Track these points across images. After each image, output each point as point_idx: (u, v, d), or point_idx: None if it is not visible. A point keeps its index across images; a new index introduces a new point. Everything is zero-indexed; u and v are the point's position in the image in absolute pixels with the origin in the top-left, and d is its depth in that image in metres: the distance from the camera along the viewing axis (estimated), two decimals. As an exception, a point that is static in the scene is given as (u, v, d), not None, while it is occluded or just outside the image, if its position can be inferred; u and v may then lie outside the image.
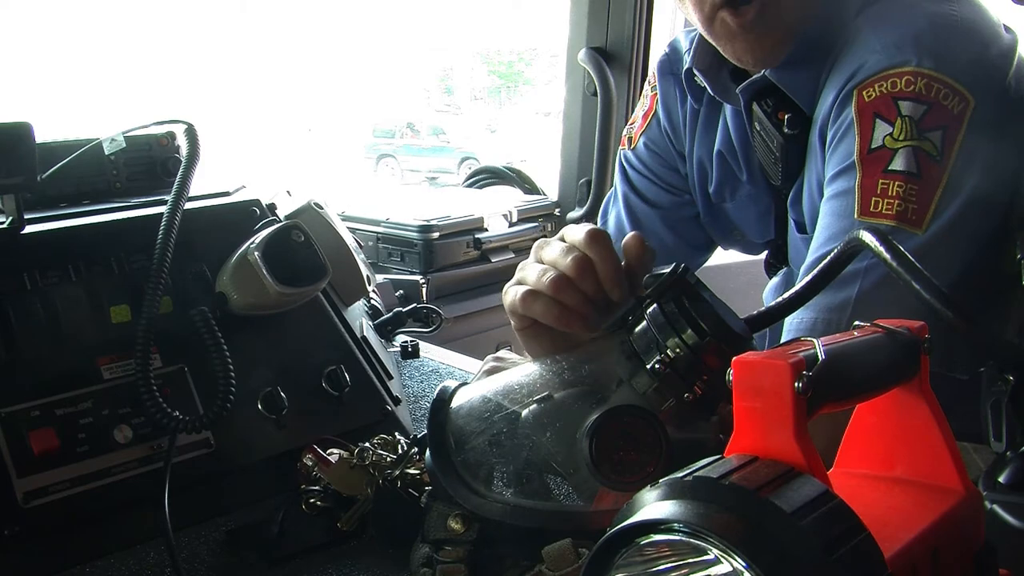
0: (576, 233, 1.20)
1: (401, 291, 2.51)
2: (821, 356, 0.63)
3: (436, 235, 2.81)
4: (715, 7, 1.42)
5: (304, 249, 1.41)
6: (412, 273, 2.78)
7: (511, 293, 1.24)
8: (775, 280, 1.70)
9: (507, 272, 1.41)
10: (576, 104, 3.15)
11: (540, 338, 1.25)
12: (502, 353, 1.58)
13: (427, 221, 2.79)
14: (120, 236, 1.41)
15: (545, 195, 3.32)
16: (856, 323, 0.77)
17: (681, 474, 0.60)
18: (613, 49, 2.98)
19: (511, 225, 3.04)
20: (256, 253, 1.36)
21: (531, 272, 1.22)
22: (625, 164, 1.86)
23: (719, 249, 1.90)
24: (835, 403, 0.67)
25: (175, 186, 1.37)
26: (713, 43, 1.52)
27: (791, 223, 1.55)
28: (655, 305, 0.91)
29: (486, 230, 2.96)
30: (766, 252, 1.74)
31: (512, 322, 1.29)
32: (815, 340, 0.66)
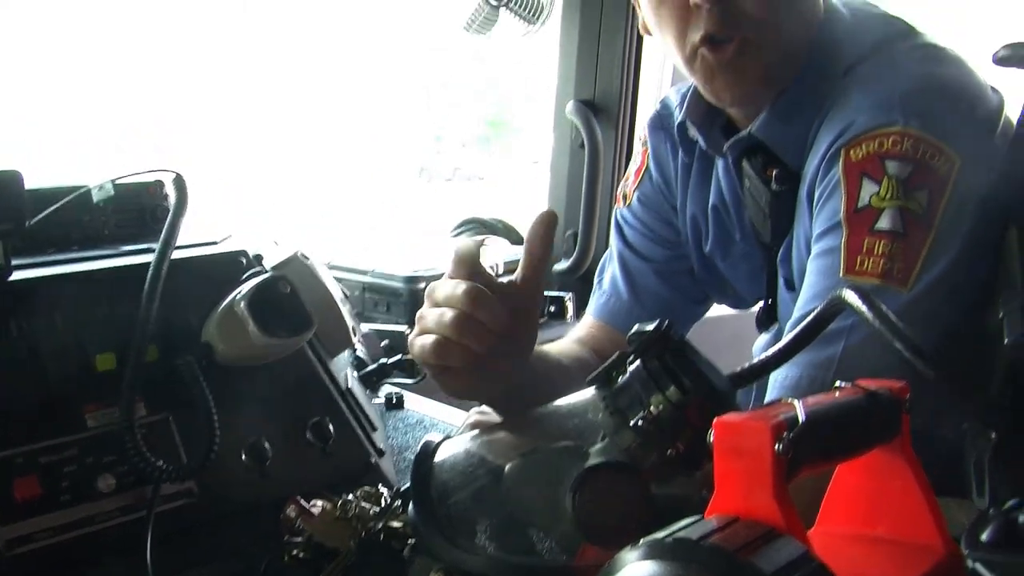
0: (450, 273, 1.30)
1: (387, 341, 2.51)
2: (802, 418, 0.64)
3: (423, 285, 2.78)
4: (695, 45, 1.44)
5: (290, 300, 1.41)
6: (398, 323, 2.77)
7: (418, 344, 1.29)
8: (765, 337, 1.71)
9: (494, 323, 1.42)
10: (563, 156, 3.16)
11: (457, 378, 1.31)
12: (486, 407, 1.58)
13: (414, 272, 2.78)
14: (107, 284, 1.40)
15: (532, 246, 3.31)
16: (838, 383, 0.78)
17: (662, 534, 0.60)
18: (601, 102, 3.00)
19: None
20: (242, 304, 1.36)
21: (430, 317, 1.27)
22: (621, 222, 1.88)
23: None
24: (816, 464, 0.68)
25: (163, 235, 1.37)
26: (695, 81, 1.53)
27: (780, 280, 1.56)
28: (639, 361, 0.91)
29: (472, 281, 2.92)
30: (758, 307, 1.75)
31: (426, 372, 1.33)
32: (796, 401, 0.67)
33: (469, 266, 1.31)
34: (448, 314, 1.26)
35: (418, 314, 1.33)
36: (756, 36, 1.42)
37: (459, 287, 1.27)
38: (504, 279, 1.36)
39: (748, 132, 1.50)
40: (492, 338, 1.26)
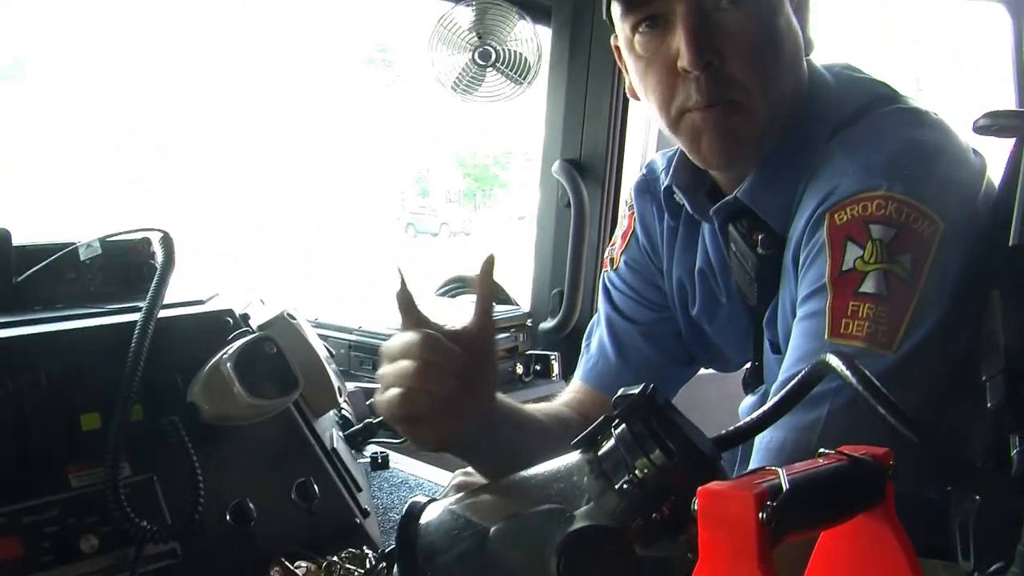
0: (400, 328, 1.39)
1: (372, 399, 2.51)
2: (785, 486, 0.64)
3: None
4: (681, 110, 1.46)
5: (276, 361, 1.42)
6: (384, 381, 2.77)
7: (384, 401, 1.35)
8: (752, 399, 1.71)
9: (480, 382, 1.44)
10: (550, 215, 3.17)
11: (427, 428, 1.38)
12: (470, 468, 1.59)
13: (399, 330, 2.75)
14: (93, 343, 1.41)
15: (518, 305, 3.32)
16: (821, 450, 0.78)
17: (647, 603, 0.60)
18: (587, 162, 3.02)
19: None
20: (228, 364, 1.37)
21: (391, 373, 1.35)
22: (608, 285, 1.89)
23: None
24: (800, 532, 0.68)
25: (149, 295, 1.37)
26: (681, 145, 1.55)
27: (766, 343, 1.57)
28: (623, 425, 0.92)
29: (457, 340, 2.92)
30: (745, 369, 1.75)
31: (398, 430, 1.38)
32: (780, 469, 0.67)
33: (414, 317, 1.40)
34: (408, 366, 1.33)
35: (378, 374, 1.40)
36: (745, 100, 1.44)
37: (412, 339, 1.35)
38: (457, 326, 1.43)
39: (734, 196, 1.51)
40: (453, 380, 1.33)
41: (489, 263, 1.43)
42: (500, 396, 1.51)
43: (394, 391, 1.34)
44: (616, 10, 1.49)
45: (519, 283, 3.45)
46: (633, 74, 1.53)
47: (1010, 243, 1.18)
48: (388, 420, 1.40)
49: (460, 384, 1.34)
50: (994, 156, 1.44)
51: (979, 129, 1.21)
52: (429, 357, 1.33)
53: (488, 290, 1.45)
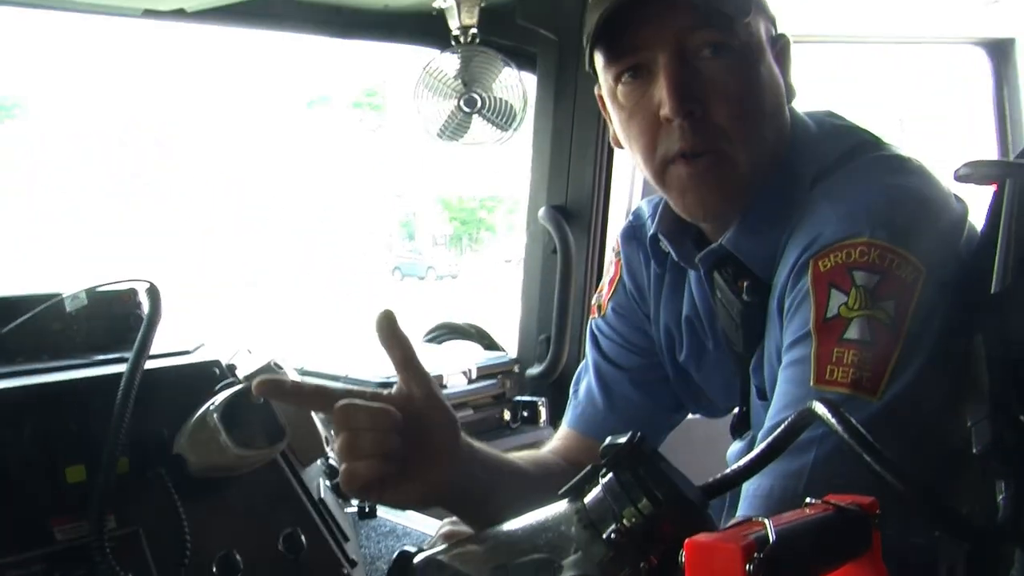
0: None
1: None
2: (772, 538, 0.64)
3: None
4: (666, 160, 1.47)
5: (263, 411, 1.42)
6: (371, 430, 2.75)
7: (345, 478, 1.32)
8: (739, 444, 1.71)
9: (466, 430, 1.43)
10: (536, 261, 3.18)
11: (392, 491, 1.35)
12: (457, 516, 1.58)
13: (386, 377, 2.74)
14: (78, 395, 1.40)
15: (505, 352, 3.32)
16: (808, 500, 0.78)
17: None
18: (573, 208, 3.02)
19: (470, 382, 3.00)
20: (215, 415, 1.37)
21: (343, 446, 1.32)
22: (596, 332, 1.89)
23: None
24: (787, 582, 0.68)
25: (135, 346, 1.37)
26: (666, 196, 1.56)
27: (753, 390, 1.57)
28: (611, 474, 0.92)
29: (445, 387, 2.90)
30: (733, 415, 1.76)
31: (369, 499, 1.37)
32: (766, 520, 0.67)
33: (324, 392, 1.38)
34: (341, 441, 1.32)
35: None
36: (729, 149, 1.45)
37: (336, 412, 1.32)
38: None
39: (719, 244, 1.52)
40: (388, 440, 1.32)
41: (384, 319, 1.39)
42: (476, 444, 1.49)
43: (342, 467, 1.33)
44: (599, 60, 1.51)
45: (506, 323, 3.45)
46: (616, 123, 1.54)
47: (992, 291, 1.19)
48: (352, 496, 1.40)
49: (406, 441, 1.33)
50: (976, 201, 1.46)
51: (960, 178, 1.22)
52: (352, 425, 1.31)
53: (396, 345, 1.39)
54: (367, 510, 1.87)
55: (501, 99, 2.79)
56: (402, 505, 1.45)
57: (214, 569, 1.37)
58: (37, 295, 1.56)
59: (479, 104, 2.78)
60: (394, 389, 1.39)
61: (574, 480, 0.96)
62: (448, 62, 2.77)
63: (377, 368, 2.82)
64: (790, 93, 1.54)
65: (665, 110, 1.42)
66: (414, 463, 1.34)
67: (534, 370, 3.12)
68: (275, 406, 1.43)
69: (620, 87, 1.49)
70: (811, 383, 1.30)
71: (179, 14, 2.36)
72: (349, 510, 1.84)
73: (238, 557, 1.38)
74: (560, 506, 0.97)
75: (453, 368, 2.96)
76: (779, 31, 1.54)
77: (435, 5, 2.69)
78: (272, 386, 1.35)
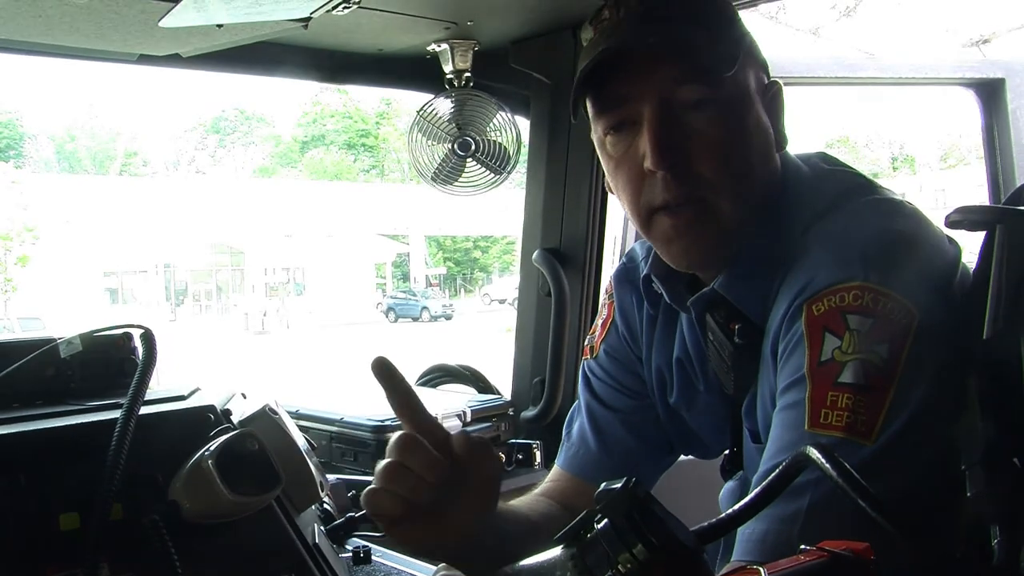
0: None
1: (354, 491, 2.49)
2: (767, 586, 0.64)
3: (390, 435, 2.74)
4: (651, 210, 1.48)
5: (258, 457, 1.42)
6: (365, 473, 2.73)
7: (370, 498, 1.34)
8: (731, 484, 1.72)
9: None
10: (530, 303, 3.17)
11: (407, 531, 1.37)
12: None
13: (381, 421, 2.76)
14: (72, 442, 1.40)
15: (500, 394, 3.31)
16: (802, 547, 0.79)
17: None
18: (567, 251, 3.03)
19: (465, 425, 2.97)
20: (210, 461, 1.36)
21: (377, 467, 1.35)
22: (588, 373, 1.90)
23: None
24: (782, 631, 0.68)
25: (130, 392, 1.37)
26: (652, 245, 1.57)
27: (745, 432, 1.57)
28: (606, 520, 0.92)
29: (440, 430, 2.89)
30: (723, 455, 1.76)
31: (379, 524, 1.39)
32: (761, 568, 0.67)
33: (409, 412, 1.41)
34: (385, 464, 1.33)
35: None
36: (712, 199, 1.46)
37: (397, 436, 1.36)
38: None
39: (711, 288, 1.53)
40: (425, 486, 1.32)
41: (378, 365, 1.41)
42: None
43: (371, 487, 1.33)
44: (590, 109, 1.53)
45: (501, 364, 3.45)
46: (607, 172, 1.57)
47: (984, 336, 1.19)
48: (369, 515, 1.38)
49: (441, 496, 1.33)
50: (969, 244, 1.47)
51: (951, 224, 1.23)
52: (402, 459, 1.33)
53: (406, 398, 1.42)
54: (362, 555, 1.86)
55: (495, 142, 2.81)
56: (406, 546, 1.45)
57: (209, 616, 1.36)
58: (31, 340, 1.56)
59: (473, 148, 2.80)
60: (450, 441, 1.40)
61: (569, 526, 0.96)
62: (442, 106, 2.79)
63: (372, 411, 2.82)
64: (780, 140, 1.55)
65: (648, 163, 1.45)
66: (433, 516, 1.34)
67: (529, 413, 3.11)
68: (270, 453, 1.43)
69: (608, 138, 1.52)
70: (805, 427, 1.30)
71: (174, 59, 2.38)
72: (344, 555, 1.83)
73: (233, 604, 1.38)
74: (555, 552, 0.97)
75: (448, 411, 2.95)
76: (771, 78, 1.56)
77: (429, 49, 2.72)
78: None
